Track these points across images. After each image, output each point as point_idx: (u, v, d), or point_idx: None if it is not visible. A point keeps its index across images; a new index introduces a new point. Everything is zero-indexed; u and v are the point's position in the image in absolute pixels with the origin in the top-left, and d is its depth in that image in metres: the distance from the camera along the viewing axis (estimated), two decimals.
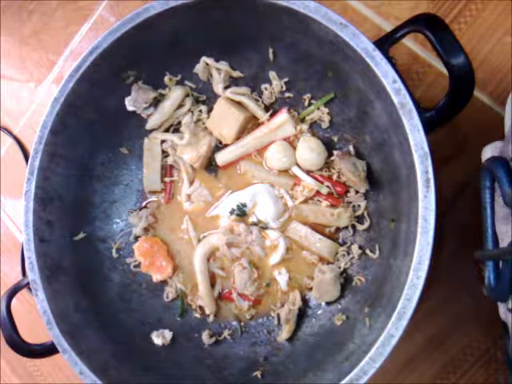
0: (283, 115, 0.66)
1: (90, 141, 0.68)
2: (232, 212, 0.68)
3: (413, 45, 0.68)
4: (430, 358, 0.65)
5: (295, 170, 0.67)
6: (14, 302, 0.63)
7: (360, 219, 0.64)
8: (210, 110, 0.70)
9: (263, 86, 0.68)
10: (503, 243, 0.46)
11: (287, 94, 0.68)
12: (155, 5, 0.57)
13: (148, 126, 0.71)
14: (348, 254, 0.64)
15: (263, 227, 0.68)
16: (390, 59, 0.50)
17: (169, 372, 0.63)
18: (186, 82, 0.70)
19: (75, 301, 0.63)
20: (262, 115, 0.68)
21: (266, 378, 0.62)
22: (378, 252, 0.61)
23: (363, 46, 0.50)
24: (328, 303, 0.64)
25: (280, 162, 0.66)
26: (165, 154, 0.72)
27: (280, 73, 0.67)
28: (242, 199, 0.68)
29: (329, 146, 0.66)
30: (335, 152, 0.63)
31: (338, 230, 0.66)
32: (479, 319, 0.63)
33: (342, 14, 0.51)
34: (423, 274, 0.46)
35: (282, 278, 0.67)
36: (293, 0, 0.53)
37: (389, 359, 0.47)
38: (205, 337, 0.67)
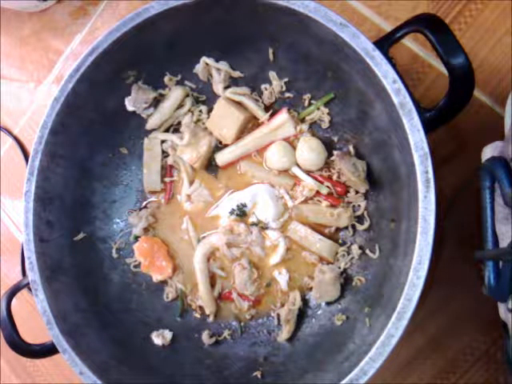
0: (283, 115, 0.66)
1: (89, 141, 0.68)
2: (232, 212, 0.68)
3: (413, 45, 0.68)
4: (429, 358, 0.65)
5: (295, 170, 0.67)
6: (14, 302, 0.63)
7: (360, 219, 0.64)
8: (210, 110, 0.70)
9: (263, 86, 0.68)
10: (503, 243, 0.46)
11: (287, 94, 0.68)
12: (155, 5, 0.57)
13: (148, 126, 0.71)
14: (348, 254, 0.64)
15: (263, 227, 0.68)
16: (389, 59, 0.50)
17: (169, 372, 0.63)
18: (186, 82, 0.70)
19: (75, 301, 0.63)
20: (261, 115, 0.68)
21: (265, 379, 0.62)
22: (378, 252, 0.61)
23: (363, 46, 0.50)
24: (328, 303, 0.64)
25: (280, 162, 0.66)
26: (165, 154, 0.72)
27: (280, 73, 0.67)
28: (242, 199, 0.68)
29: (329, 146, 0.66)
30: (335, 152, 0.63)
31: (338, 230, 0.66)
32: (479, 319, 0.63)
33: (341, 14, 0.51)
34: (423, 273, 0.46)
35: (282, 278, 0.67)
36: (293, 0, 0.53)
37: (389, 359, 0.47)
38: (205, 337, 0.67)
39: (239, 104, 0.69)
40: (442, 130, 0.52)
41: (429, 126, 0.49)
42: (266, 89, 0.68)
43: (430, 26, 0.50)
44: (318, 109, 0.66)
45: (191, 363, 0.65)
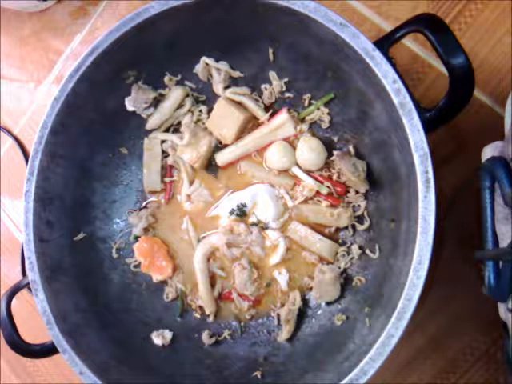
0: (283, 115, 0.66)
1: (89, 141, 0.68)
2: (232, 212, 0.68)
3: (413, 45, 0.68)
4: (429, 358, 0.65)
5: (295, 170, 0.67)
6: (14, 302, 0.63)
7: (360, 219, 0.64)
8: (210, 110, 0.70)
9: (263, 86, 0.68)
10: (503, 243, 0.46)
11: (287, 94, 0.68)
12: (155, 5, 0.57)
13: (148, 126, 0.71)
14: (348, 254, 0.64)
15: (263, 227, 0.68)
16: (389, 59, 0.50)
17: (169, 372, 0.63)
18: (186, 82, 0.70)
19: (75, 301, 0.63)
20: (261, 115, 0.68)
21: (265, 379, 0.62)
22: (378, 252, 0.61)
23: (363, 46, 0.50)
24: (328, 303, 0.64)
25: (280, 162, 0.66)
26: (165, 154, 0.72)
27: (280, 73, 0.67)
28: (242, 199, 0.68)
29: (329, 146, 0.66)
30: (335, 152, 0.63)
31: (337, 230, 0.66)
32: (479, 319, 0.63)
33: (341, 14, 0.51)
34: (423, 273, 0.46)
35: (282, 278, 0.67)
36: (293, 0, 0.53)
37: (389, 359, 0.47)
38: (205, 337, 0.67)
39: (239, 104, 0.69)
40: (442, 130, 0.52)
41: (429, 126, 0.49)
42: (266, 89, 0.68)
43: (430, 26, 0.50)
44: (318, 109, 0.66)
45: (191, 363, 0.65)
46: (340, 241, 0.66)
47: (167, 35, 0.62)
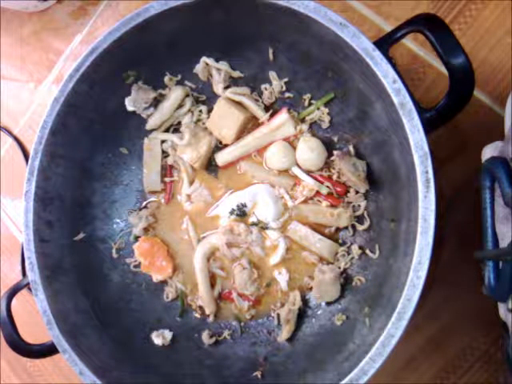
0: (283, 115, 0.66)
1: (90, 141, 0.68)
2: (232, 212, 0.68)
3: (413, 45, 0.68)
4: (429, 358, 0.65)
5: (295, 170, 0.67)
6: (14, 302, 0.63)
7: (360, 219, 0.64)
8: (210, 110, 0.70)
9: (263, 86, 0.68)
10: (503, 243, 0.46)
11: (287, 94, 0.68)
12: (155, 5, 0.57)
13: (148, 126, 0.71)
14: (348, 254, 0.64)
15: (263, 227, 0.68)
16: (390, 59, 0.50)
17: (169, 372, 0.63)
18: (186, 82, 0.70)
19: (75, 301, 0.63)
20: (261, 115, 0.68)
21: (266, 379, 0.62)
22: (377, 252, 0.61)
23: (363, 46, 0.50)
24: (328, 303, 0.64)
25: (280, 162, 0.66)
26: (165, 154, 0.72)
27: (280, 73, 0.67)
28: (242, 199, 0.68)
29: (329, 146, 0.66)
30: (335, 152, 0.63)
31: (338, 229, 0.66)
32: (479, 319, 0.63)
33: (341, 14, 0.51)
34: (423, 274, 0.46)
35: (282, 278, 0.67)
36: (293, 0, 0.53)
37: (389, 359, 0.47)
38: (205, 337, 0.67)
39: (239, 104, 0.69)
40: (442, 129, 0.52)
41: (429, 126, 0.49)
42: (266, 89, 0.68)
43: (430, 25, 0.50)
44: (318, 109, 0.66)
45: (191, 363, 0.65)
46: (340, 241, 0.66)
47: (167, 35, 0.62)
